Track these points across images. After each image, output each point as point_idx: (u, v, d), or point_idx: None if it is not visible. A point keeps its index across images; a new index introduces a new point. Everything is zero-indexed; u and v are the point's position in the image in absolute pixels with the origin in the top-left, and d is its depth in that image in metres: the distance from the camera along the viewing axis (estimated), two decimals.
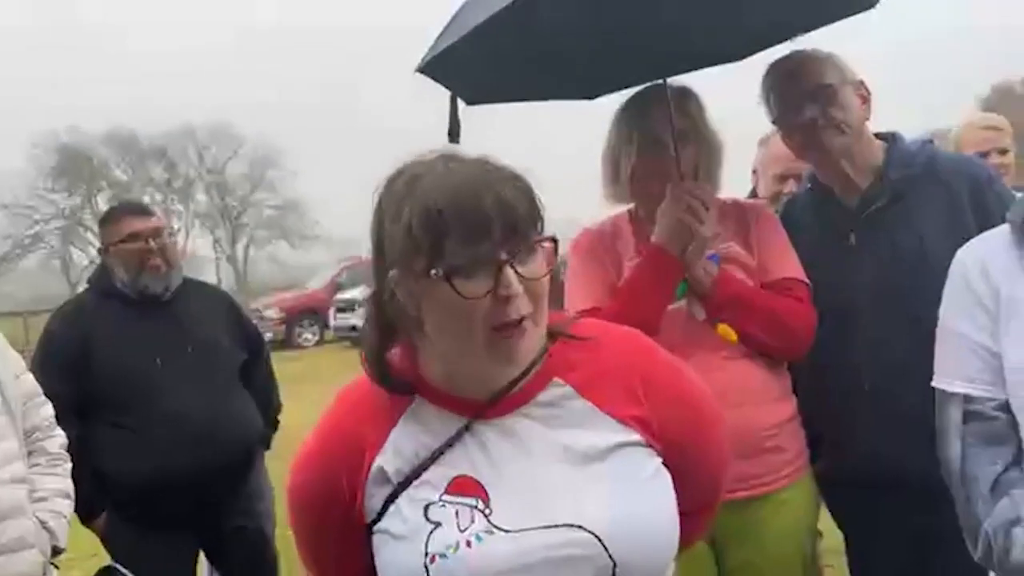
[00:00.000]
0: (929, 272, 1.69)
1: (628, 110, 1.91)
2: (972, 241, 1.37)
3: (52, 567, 2.10)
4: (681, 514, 1.06)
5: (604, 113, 1.98)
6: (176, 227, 41.21)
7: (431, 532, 0.98)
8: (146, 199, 40.76)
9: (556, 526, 0.97)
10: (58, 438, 2.20)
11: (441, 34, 1.74)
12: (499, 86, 1.95)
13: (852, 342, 1.80)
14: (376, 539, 1.03)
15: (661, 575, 1.03)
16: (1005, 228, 1.31)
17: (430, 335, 1.01)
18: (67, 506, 2.14)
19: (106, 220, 2.67)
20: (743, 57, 1.98)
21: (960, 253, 1.36)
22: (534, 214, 0.99)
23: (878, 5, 1.85)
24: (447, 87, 1.80)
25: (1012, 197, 1.84)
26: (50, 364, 2.46)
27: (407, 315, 1.01)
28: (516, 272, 0.96)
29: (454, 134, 1.80)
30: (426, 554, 0.96)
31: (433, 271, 0.95)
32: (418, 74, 1.75)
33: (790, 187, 2.68)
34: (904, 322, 1.72)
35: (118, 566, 2.03)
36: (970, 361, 1.28)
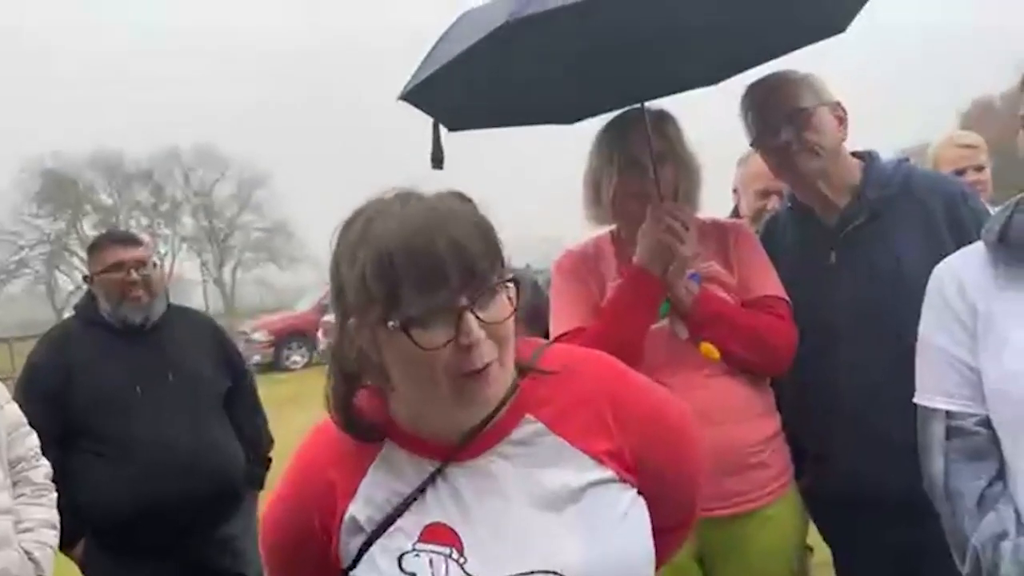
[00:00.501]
0: (906, 290, 1.72)
1: (608, 133, 1.94)
2: (949, 258, 1.38)
3: None
4: (658, 531, 1.06)
5: (586, 136, 2.01)
6: (163, 251, 41.15)
7: None
8: (132, 223, 40.79)
9: (531, 573, 0.96)
10: (43, 468, 2.19)
11: (422, 63, 1.77)
12: (480, 113, 1.98)
13: (832, 361, 1.82)
14: None
15: None
16: (980, 245, 1.33)
17: (394, 381, 0.99)
18: (52, 536, 2.12)
19: (92, 248, 2.68)
20: (719, 81, 2.01)
21: (937, 270, 1.37)
22: (492, 254, 0.96)
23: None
24: (429, 114, 1.82)
25: (987, 213, 1.88)
26: (34, 394, 2.45)
27: (370, 362, 0.98)
28: (477, 318, 0.92)
29: (437, 160, 1.82)
30: None
31: (390, 322, 0.91)
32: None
33: (772, 203, 2.71)
34: (882, 340, 1.74)
35: None
36: (950, 376, 1.29)
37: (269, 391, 3.09)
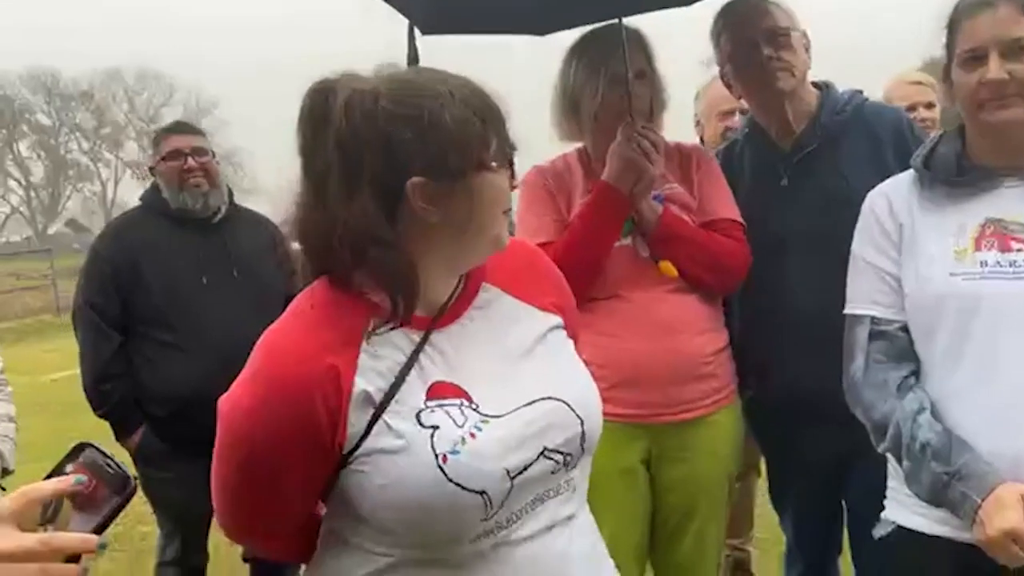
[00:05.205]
0: (852, 211, 1.81)
1: (589, 48, 1.93)
2: (881, 183, 1.54)
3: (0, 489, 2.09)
4: None
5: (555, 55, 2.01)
6: (104, 176, 39.75)
7: (432, 435, 1.00)
8: (72, 146, 39.19)
9: (534, 401, 1.06)
10: None
11: None
12: (456, 17, 1.95)
13: (782, 276, 1.91)
14: (362, 463, 1.01)
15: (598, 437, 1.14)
16: (910, 171, 1.50)
17: (432, 238, 1.05)
18: (12, 429, 2.13)
19: (154, 140, 2.74)
20: (694, 2, 2.03)
21: (871, 193, 1.54)
22: None
23: None
24: (404, 14, 1.81)
25: None
26: (97, 280, 2.51)
27: (383, 231, 1.01)
28: None
29: (414, 61, 1.81)
30: (436, 455, 0.99)
31: (494, 162, 1.04)
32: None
33: (736, 121, 2.79)
34: (828, 258, 1.83)
35: (94, 443, 2.05)
36: (877, 286, 1.47)
37: None
